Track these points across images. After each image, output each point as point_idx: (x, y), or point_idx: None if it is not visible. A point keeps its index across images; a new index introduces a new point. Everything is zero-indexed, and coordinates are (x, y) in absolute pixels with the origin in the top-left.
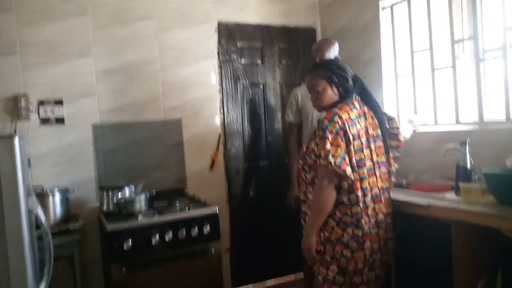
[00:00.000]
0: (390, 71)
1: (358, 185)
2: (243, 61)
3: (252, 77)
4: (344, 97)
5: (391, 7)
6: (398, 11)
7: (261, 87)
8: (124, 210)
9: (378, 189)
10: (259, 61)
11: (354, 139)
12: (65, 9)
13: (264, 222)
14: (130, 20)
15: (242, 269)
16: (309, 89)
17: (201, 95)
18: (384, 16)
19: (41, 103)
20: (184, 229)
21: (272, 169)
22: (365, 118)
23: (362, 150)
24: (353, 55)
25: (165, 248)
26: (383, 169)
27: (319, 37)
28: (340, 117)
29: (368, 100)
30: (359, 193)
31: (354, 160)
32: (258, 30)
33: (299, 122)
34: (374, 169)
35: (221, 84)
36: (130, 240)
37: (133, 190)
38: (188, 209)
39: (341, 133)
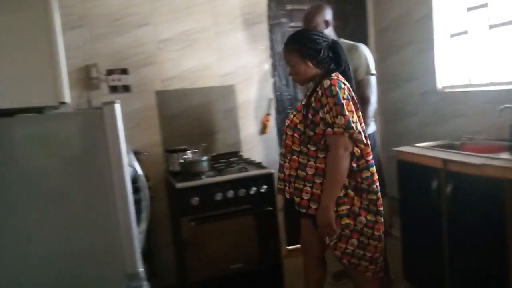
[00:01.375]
0: (443, 30)
1: (368, 150)
2: (293, 24)
3: None
4: (321, 67)
5: None
6: None
7: None
8: (189, 170)
9: None
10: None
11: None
12: None
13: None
14: None
15: (294, 229)
16: (286, 64)
17: (252, 61)
18: None
19: (109, 72)
20: (243, 188)
21: None
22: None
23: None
24: (404, 14)
25: (227, 205)
26: None
27: None
28: (345, 83)
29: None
30: (369, 157)
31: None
32: None
33: None
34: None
35: (271, 49)
36: (196, 197)
37: (195, 152)
38: (246, 169)
39: (351, 99)
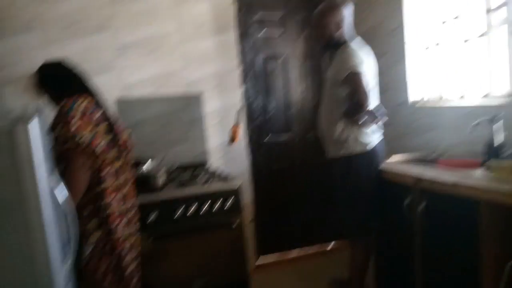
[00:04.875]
0: (414, 43)
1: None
2: (262, 33)
3: (273, 48)
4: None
5: None
6: None
7: (283, 58)
8: (148, 183)
9: None
10: (279, 33)
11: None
12: None
13: (287, 194)
14: None
15: (266, 239)
16: None
17: (221, 69)
18: None
19: None
20: (206, 203)
21: (294, 143)
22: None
23: None
24: (379, 23)
25: (189, 221)
26: None
27: None
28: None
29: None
30: (103, 173)
31: None
32: (279, 0)
33: None
34: None
35: (241, 56)
36: (155, 212)
37: (156, 163)
38: (210, 183)
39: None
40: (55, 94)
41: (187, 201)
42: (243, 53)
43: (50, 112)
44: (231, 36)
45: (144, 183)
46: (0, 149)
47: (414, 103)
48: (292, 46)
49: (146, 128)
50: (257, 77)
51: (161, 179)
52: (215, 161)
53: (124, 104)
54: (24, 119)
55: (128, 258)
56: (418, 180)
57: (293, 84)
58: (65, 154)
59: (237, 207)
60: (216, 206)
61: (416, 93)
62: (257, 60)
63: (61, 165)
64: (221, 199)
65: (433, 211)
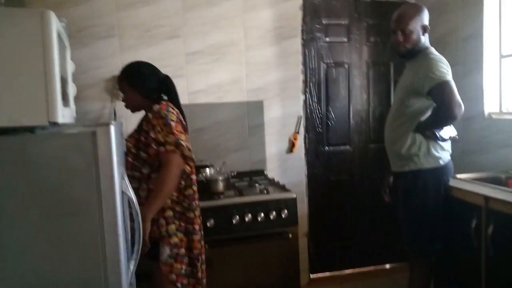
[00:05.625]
0: (493, 51)
1: (194, 169)
2: (328, 39)
3: (337, 56)
4: (151, 97)
5: None
6: None
7: (346, 66)
8: (208, 189)
9: None
10: (345, 39)
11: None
12: None
13: (344, 209)
14: (217, 1)
15: (319, 255)
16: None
17: (284, 76)
18: None
19: None
20: (262, 212)
21: (354, 154)
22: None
23: None
24: (451, 31)
25: (245, 228)
26: None
27: None
28: (173, 108)
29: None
30: (194, 176)
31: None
32: (345, 5)
33: None
34: None
35: (304, 64)
36: (213, 218)
37: (217, 169)
38: (267, 192)
39: (179, 122)
40: (145, 94)
41: (244, 208)
42: (306, 60)
43: (129, 114)
44: (296, 43)
45: (204, 188)
46: (83, 149)
47: (490, 115)
48: (357, 54)
49: (208, 134)
50: (319, 85)
51: (221, 185)
52: (273, 170)
53: (190, 108)
54: (105, 122)
55: (201, 260)
56: (488, 200)
57: (355, 94)
58: (162, 156)
59: (293, 218)
60: (272, 215)
61: (492, 105)
62: (321, 67)
63: (146, 167)
64: (277, 209)
65: (502, 235)
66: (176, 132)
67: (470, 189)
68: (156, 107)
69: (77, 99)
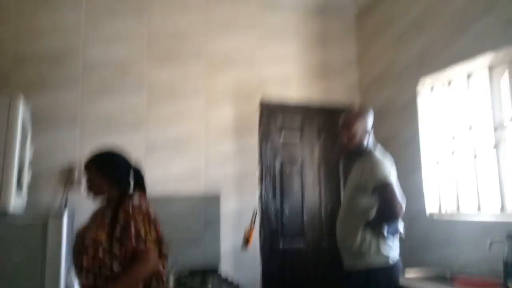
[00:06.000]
0: (429, 156)
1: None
2: (282, 138)
3: (291, 153)
4: (119, 186)
5: (431, 88)
6: (438, 92)
7: (299, 163)
8: None
9: None
10: (298, 139)
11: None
12: (123, 84)
13: None
14: (180, 97)
15: None
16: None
17: (241, 170)
18: (422, 97)
19: None
20: None
21: (308, 253)
22: None
23: None
24: (392, 135)
25: None
26: None
27: None
28: (147, 205)
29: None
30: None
31: None
32: (298, 109)
33: None
34: None
35: (260, 160)
36: None
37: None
38: None
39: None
40: (114, 182)
41: None
42: (262, 156)
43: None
44: (253, 140)
45: None
46: (31, 242)
47: (431, 215)
48: (309, 152)
49: (163, 228)
50: (274, 180)
51: (171, 286)
52: (227, 267)
53: None
54: (56, 214)
55: None
56: None
57: (308, 189)
58: (141, 253)
59: None
60: None
61: (433, 204)
62: (275, 163)
63: (117, 264)
64: None
65: None
66: (159, 230)
67: None
68: (136, 200)
69: (30, 184)
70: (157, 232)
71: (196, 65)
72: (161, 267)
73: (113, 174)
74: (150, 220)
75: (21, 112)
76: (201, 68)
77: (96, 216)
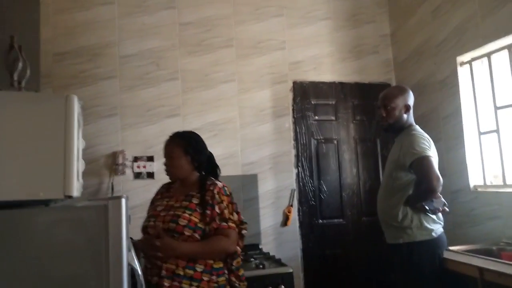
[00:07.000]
0: (472, 128)
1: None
2: (317, 117)
3: (326, 133)
4: (199, 170)
5: (470, 62)
6: (478, 66)
7: (335, 142)
8: None
9: None
10: (333, 117)
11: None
12: (158, 74)
13: (340, 284)
14: (214, 84)
15: None
16: (166, 155)
17: (277, 151)
18: (463, 71)
19: (135, 159)
20: (259, 287)
21: (348, 227)
22: None
23: None
24: (432, 110)
25: None
26: None
27: None
28: (228, 188)
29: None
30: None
31: None
32: (332, 87)
33: None
34: None
35: (295, 140)
36: None
37: None
38: (263, 267)
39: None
40: (195, 165)
41: None
42: (297, 136)
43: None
44: (287, 121)
45: None
46: (95, 221)
47: (475, 188)
48: (345, 130)
49: None
50: (310, 159)
51: None
52: (268, 244)
53: None
54: (116, 196)
55: None
56: (483, 272)
57: (346, 167)
58: (223, 230)
59: None
60: None
61: (476, 179)
62: (311, 143)
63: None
64: (274, 284)
65: None
66: (239, 211)
67: (465, 261)
68: (220, 183)
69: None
70: (237, 213)
71: (228, 51)
72: (239, 248)
73: (197, 156)
74: (232, 202)
75: (76, 107)
76: (233, 54)
77: (176, 199)
